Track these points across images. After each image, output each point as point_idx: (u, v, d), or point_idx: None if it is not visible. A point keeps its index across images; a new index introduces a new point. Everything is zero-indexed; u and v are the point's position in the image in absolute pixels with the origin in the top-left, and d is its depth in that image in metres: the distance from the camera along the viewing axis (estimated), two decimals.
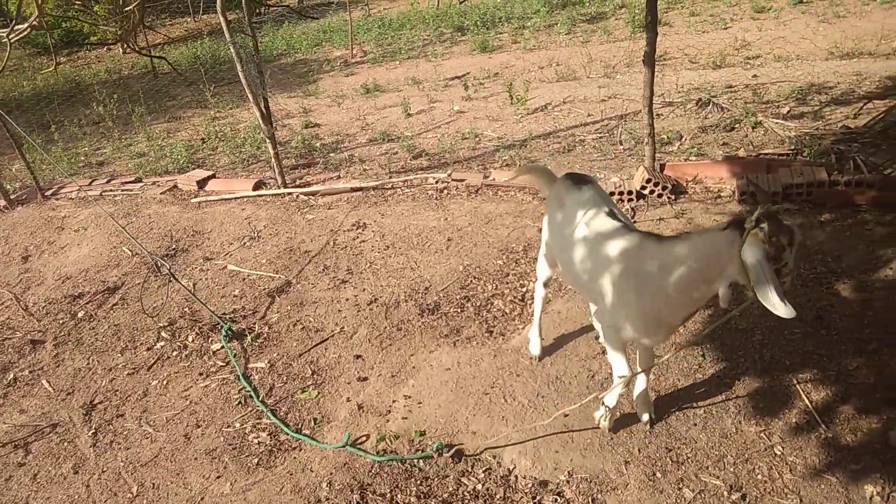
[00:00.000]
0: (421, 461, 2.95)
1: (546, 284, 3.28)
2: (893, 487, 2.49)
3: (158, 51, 15.03)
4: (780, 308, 2.07)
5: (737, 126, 6.02)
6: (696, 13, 10.80)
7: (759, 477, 2.63)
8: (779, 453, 2.72)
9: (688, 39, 9.41)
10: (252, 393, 3.52)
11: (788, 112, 6.18)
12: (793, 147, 5.36)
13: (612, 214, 2.72)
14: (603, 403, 2.84)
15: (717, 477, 2.65)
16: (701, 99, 6.66)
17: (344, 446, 3.07)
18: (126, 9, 11.48)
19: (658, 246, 2.44)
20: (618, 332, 2.62)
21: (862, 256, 3.87)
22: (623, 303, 2.53)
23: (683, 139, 5.91)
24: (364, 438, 3.14)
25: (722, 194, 4.77)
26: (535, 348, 3.39)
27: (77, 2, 13.85)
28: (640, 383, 2.92)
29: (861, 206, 4.39)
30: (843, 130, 5.58)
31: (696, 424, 2.90)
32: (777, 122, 5.87)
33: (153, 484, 3.08)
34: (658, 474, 2.70)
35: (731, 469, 2.68)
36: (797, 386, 3.03)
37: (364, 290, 4.31)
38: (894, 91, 6.02)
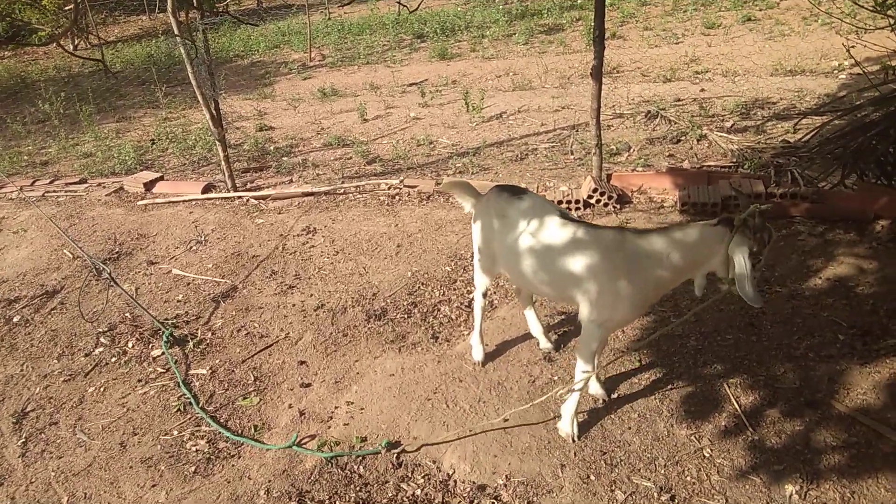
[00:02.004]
0: (361, 467, 2.95)
1: (485, 294, 3.34)
2: (811, 486, 2.60)
3: (111, 49, 14.69)
4: (754, 298, 2.38)
5: (683, 138, 6.20)
6: (650, 27, 11.09)
7: (689, 478, 2.71)
8: (708, 455, 2.81)
9: (641, 53, 9.66)
10: (192, 400, 3.46)
11: (732, 126, 6.40)
12: (735, 160, 5.55)
13: (567, 217, 2.82)
14: (564, 407, 2.92)
15: (649, 479, 2.72)
16: (650, 111, 6.85)
17: (290, 447, 3.06)
18: (68, 7, 11.16)
19: (644, 237, 2.60)
20: (608, 327, 2.74)
21: (794, 266, 4.03)
22: (618, 295, 2.63)
23: (631, 150, 6.06)
24: (307, 440, 3.12)
25: (665, 204, 4.90)
26: (477, 354, 3.43)
27: None
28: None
29: (795, 217, 4.57)
30: (783, 144, 5.81)
31: (630, 428, 2.97)
32: (721, 136, 6.07)
33: (85, 494, 3.00)
34: (592, 477, 2.75)
35: (662, 471, 2.75)
36: (728, 390, 3.13)
37: (311, 295, 4.29)
38: (831, 107, 6.28)
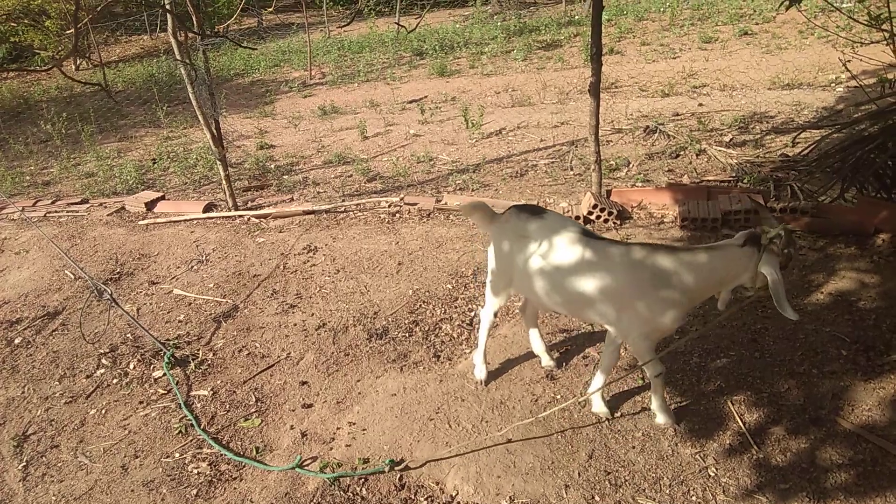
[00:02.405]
0: (364, 489, 2.93)
1: (496, 314, 3.32)
2: None
3: (113, 69, 14.81)
4: (790, 312, 2.47)
5: (682, 153, 6.23)
6: (647, 42, 11.18)
7: (694, 498, 2.69)
8: (713, 475, 2.79)
9: (638, 68, 9.73)
10: (193, 421, 3.45)
11: (731, 140, 6.42)
12: (734, 174, 5.57)
13: (589, 234, 2.88)
14: (657, 415, 3.02)
15: (654, 499, 2.70)
16: (649, 126, 6.88)
17: (293, 468, 3.05)
18: (69, 31, 11.26)
19: (678, 255, 2.69)
20: (648, 339, 2.79)
21: (795, 281, 4.03)
22: (654, 310, 2.70)
23: (631, 165, 6.08)
24: (309, 462, 3.10)
25: (665, 220, 4.91)
26: (480, 373, 3.42)
27: (24, 18, 13.55)
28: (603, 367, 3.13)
29: (796, 231, 4.57)
30: (782, 158, 5.83)
31: (634, 447, 2.95)
32: (720, 150, 6.10)
33: None
34: (597, 498, 2.73)
35: (667, 491, 2.73)
36: (731, 408, 3.12)
37: (312, 314, 4.28)
38: (829, 121, 6.31)
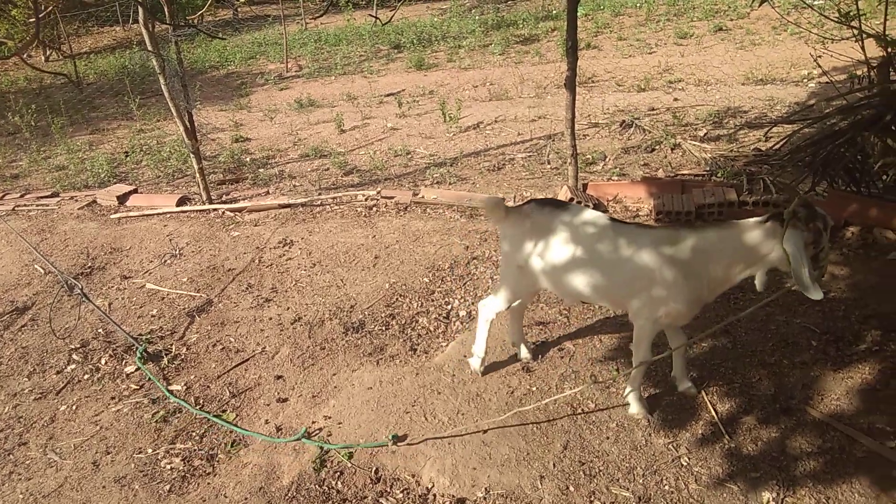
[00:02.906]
0: (339, 483, 2.91)
1: (499, 314, 3.30)
2: (787, 493, 2.62)
3: (84, 60, 14.51)
4: (811, 291, 2.41)
5: (657, 147, 6.28)
6: (624, 37, 11.24)
7: (667, 488, 2.72)
8: (685, 464, 2.82)
9: (615, 63, 9.78)
10: (185, 405, 3.46)
11: (705, 135, 6.49)
12: (708, 168, 5.63)
13: (617, 220, 2.91)
14: (629, 393, 3.05)
15: (627, 489, 2.73)
16: (625, 121, 6.92)
17: (299, 439, 3.12)
18: (32, 20, 10.99)
19: (700, 234, 2.68)
20: (657, 323, 2.83)
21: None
22: (672, 292, 2.71)
23: (607, 159, 6.11)
24: (285, 458, 3.08)
25: (640, 213, 4.95)
26: (476, 364, 3.40)
27: None
28: (679, 360, 3.16)
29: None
30: (755, 152, 5.91)
31: (608, 437, 2.98)
32: (694, 144, 6.16)
33: None
34: (571, 488, 2.75)
35: (641, 481, 2.76)
36: (704, 398, 3.16)
37: (288, 308, 4.25)
38: (800, 116, 6.40)
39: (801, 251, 2.42)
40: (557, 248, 2.93)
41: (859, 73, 5.53)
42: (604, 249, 2.83)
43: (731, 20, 11.48)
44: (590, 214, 2.93)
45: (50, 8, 10.61)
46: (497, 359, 3.55)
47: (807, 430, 2.92)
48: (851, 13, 4.78)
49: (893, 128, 4.51)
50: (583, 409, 3.16)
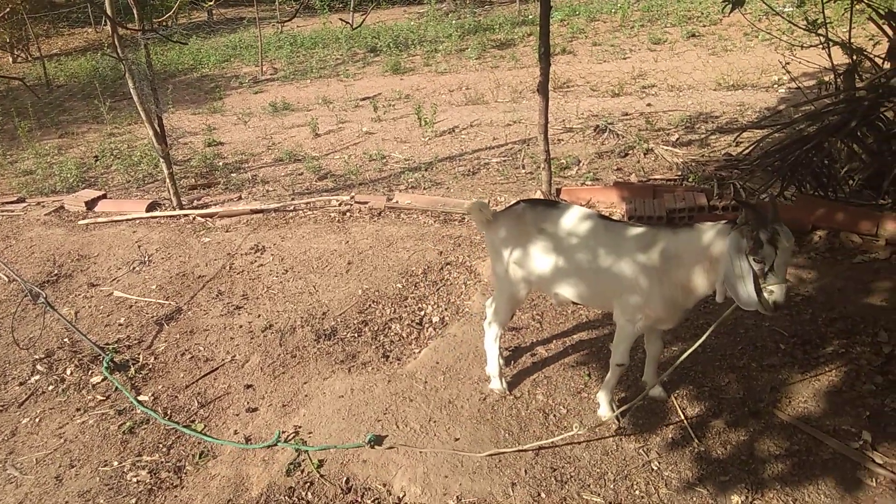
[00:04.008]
0: (310, 494, 2.88)
1: (504, 324, 3.28)
2: (756, 495, 2.64)
3: (54, 62, 14.24)
4: (744, 301, 2.31)
5: (630, 152, 6.33)
6: (599, 43, 11.33)
7: (637, 492, 2.73)
8: (656, 468, 2.83)
9: (590, 68, 9.86)
10: (153, 415, 3.39)
11: (677, 139, 6.56)
12: (680, 173, 5.69)
13: (609, 219, 2.92)
14: (600, 395, 3.07)
15: (598, 494, 2.73)
16: (599, 126, 6.97)
17: (275, 444, 3.10)
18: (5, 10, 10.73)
19: (674, 235, 2.67)
20: (637, 325, 2.81)
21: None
22: (649, 294, 2.70)
23: (581, 164, 6.15)
24: (253, 468, 3.03)
25: (612, 218, 4.97)
26: (497, 385, 3.31)
27: None
28: (651, 366, 3.16)
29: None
30: (725, 157, 5.98)
31: (579, 443, 2.98)
32: (667, 149, 6.22)
33: None
34: (543, 495, 2.75)
35: (612, 486, 2.76)
36: (674, 402, 3.18)
37: (259, 315, 4.19)
38: (770, 121, 6.50)
39: (737, 257, 2.32)
40: (554, 248, 2.92)
41: (827, 79, 5.63)
42: (600, 247, 2.82)
43: (704, 26, 11.64)
44: (581, 213, 2.93)
45: (8, 8, 10.35)
46: (470, 365, 3.53)
47: (775, 433, 2.95)
48: (818, 21, 4.87)
49: (859, 134, 4.61)
50: (555, 415, 3.15)
